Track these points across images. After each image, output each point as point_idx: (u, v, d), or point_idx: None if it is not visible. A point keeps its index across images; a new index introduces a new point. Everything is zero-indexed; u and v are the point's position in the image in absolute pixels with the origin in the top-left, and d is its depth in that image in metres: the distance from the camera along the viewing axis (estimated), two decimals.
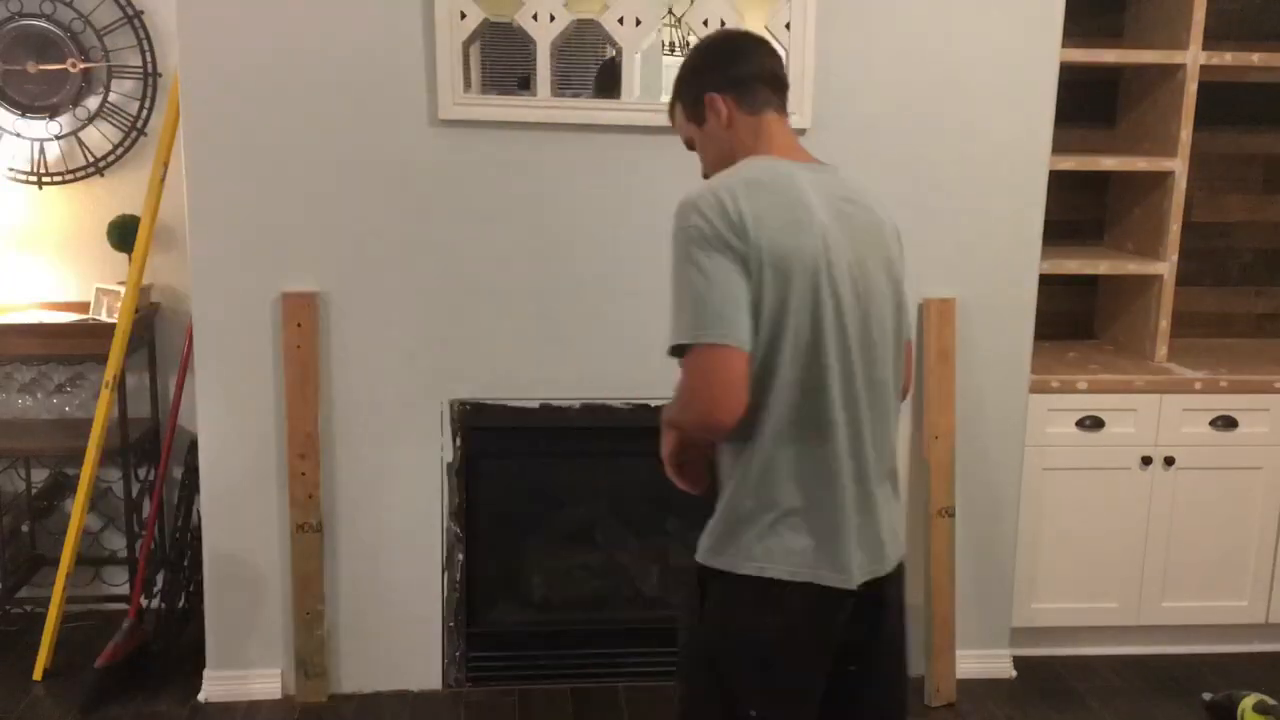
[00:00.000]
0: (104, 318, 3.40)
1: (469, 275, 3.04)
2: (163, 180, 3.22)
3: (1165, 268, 3.48)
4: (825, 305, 1.73)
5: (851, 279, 1.77)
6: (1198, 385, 3.38)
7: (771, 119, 1.90)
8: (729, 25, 2.93)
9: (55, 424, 3.56)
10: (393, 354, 3.06)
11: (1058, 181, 3.24)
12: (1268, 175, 3.86)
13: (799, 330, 1.72)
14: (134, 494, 3.49)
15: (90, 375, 3.55)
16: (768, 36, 2.91)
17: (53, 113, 3.45)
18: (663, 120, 2.98)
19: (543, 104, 2.94)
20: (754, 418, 1.75)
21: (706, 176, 1.96)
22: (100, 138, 3.49)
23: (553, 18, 2.89)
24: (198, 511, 3.32)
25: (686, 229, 1.76)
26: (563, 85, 2.96)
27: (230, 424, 3.04)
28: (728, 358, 1.69)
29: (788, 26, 2.95)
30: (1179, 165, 3.43)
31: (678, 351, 1.76)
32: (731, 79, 1.90)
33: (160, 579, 3.48)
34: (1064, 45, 3.10)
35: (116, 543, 3.65)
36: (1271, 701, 3.11)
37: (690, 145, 2.03)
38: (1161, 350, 3.52)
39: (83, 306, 3.48)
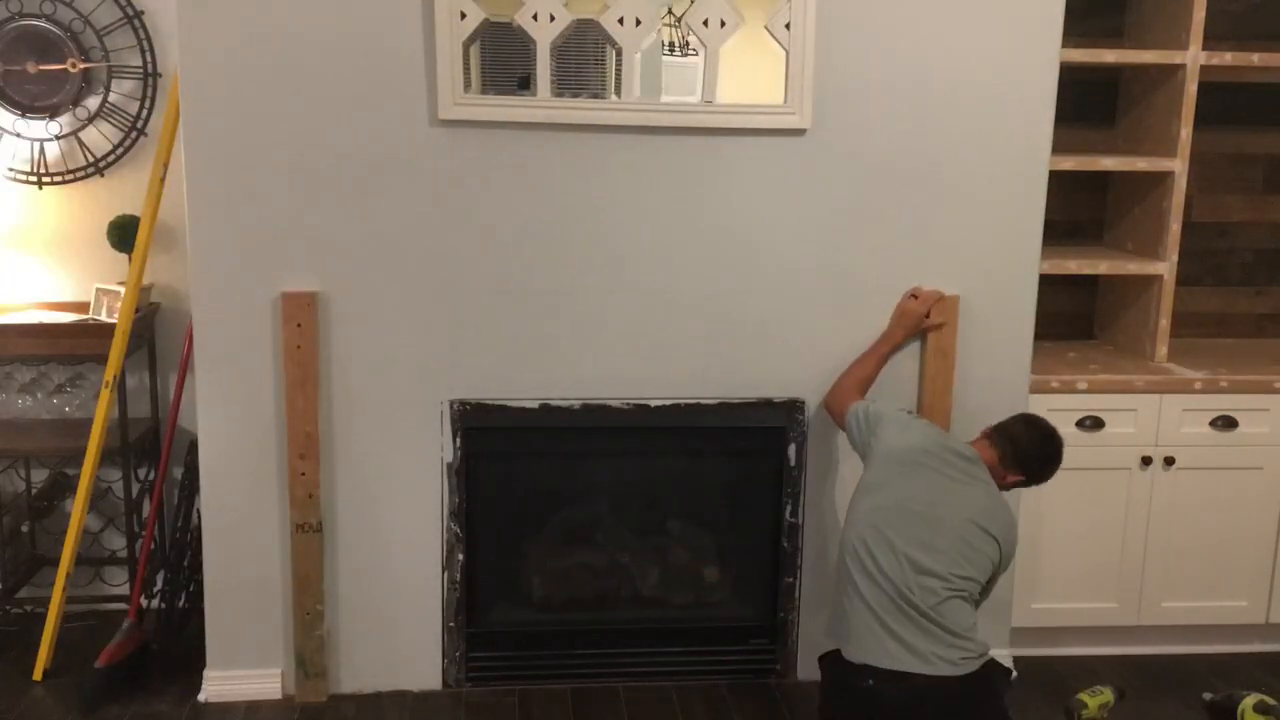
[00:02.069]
0: (104, 318, 3.40)
1: (469, 275, 3.04)
2: (163, 180, 3.22)
3: (1165, 268, 3.48)
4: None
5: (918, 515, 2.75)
6: (1198, 385, 3.38)
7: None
8: (729, 25, 2.93)
9: (55, 424, 3.56)
10: (393, 354, 3.06)
11: (1058, 181, 3.24)
12: (1268, 175, 3.86)
13: None
14: (134, 494, 3.49)
15: (90, 375, 3.55)
16: (769, 37, 2.94)
17: (53, 113, 3.45)
18: (661, 121, 3.00)
19: (543, 104, 2.94)
20: None
21: None
22: (100, 138, 3.49)
23: (553, 18, 2.89)
24: (198, 511, 3.32)
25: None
26: (563, 85, 2.96)
27: (230, 424, 3.04)
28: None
29: (788, 27, 2.95)
30: (1179, 165, 3.43)
31: None
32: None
33: (160, 579, 3.48)
34: (1064, 45, 3.10)
35: (116, 543, 3.65)
36: (1271, 701, 3.11)
37: None
38: (1161, 350, 3.52)
39: (83, 306, 3.48)
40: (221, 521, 3.09)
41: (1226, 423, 3.40)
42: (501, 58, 2.99)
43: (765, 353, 3.16)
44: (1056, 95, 3.10)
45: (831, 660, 2.79)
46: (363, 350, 3.05)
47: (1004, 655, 3.39)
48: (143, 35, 3.43)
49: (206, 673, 3.16)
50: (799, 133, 3.03)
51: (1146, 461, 3.38)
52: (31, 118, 3.45)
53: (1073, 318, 3.86)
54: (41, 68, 3.40)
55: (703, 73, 2.98)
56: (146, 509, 3.52)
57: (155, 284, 3.54)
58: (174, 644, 3.36)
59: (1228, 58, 3.40)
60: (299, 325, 2.98)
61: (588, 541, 3.45)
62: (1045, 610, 3.43)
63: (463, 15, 2.87)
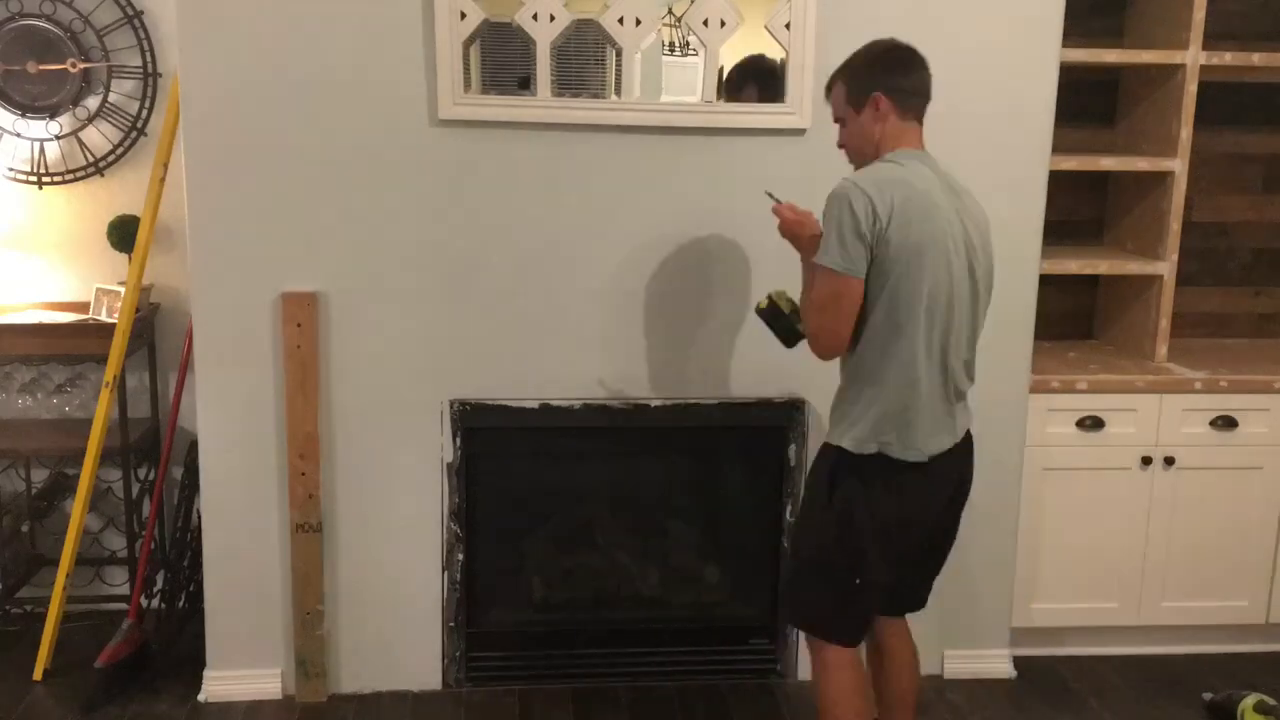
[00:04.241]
0: (104, 318, 3.40)
1: (469, 275, 3.04)
2: (163, 180, 3.22)
3: (1165, 268, 3.48)
4: (945, 274, 2.34)
5: (964, 254, 2.39)
6: (1198, 385, 3.38)
7: (912, 126, 2.43)
8: (729, 25, 2.93)
9: (55, 424, 3.56)
10: (393, 354, 3.06)
11: (1058, 181, 3.24)
12: (1268, 175, 3.86)
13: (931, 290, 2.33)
14: (134, 494, 3.49)
15: (90, 375, 3.55)
16: (769, 37, 2.94)
17: (53, 113, 3.45)
18: (661, 121, 3.00)
19: (543, 104, 2.94)
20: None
21: (842, 147, 2.51)
22: (100, 138, 3.49)
23: (553, 18, 2.89)
24: (198, 511, 3.32)
25: (839, 214, 2.30)
26: (563, 85, 2.96)
27: (230, 424, 3.04)
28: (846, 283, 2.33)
29: (788, 26, 2.95)
30: (1179, 165, 3.43)
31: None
32: (898, 88, 2.40)
33: (160, 579, 3.48)
34: (1064, 45, 3.10)
35: (116, 543, 3.65)
36: (1271, 701, 3.12)
37: (838, 121, 2.51)
38: (1161, 350, 3.52)
39: (83, 306, 3.48)
40: (221, 521, 3.09)
41: (1226, 423, 3.40)
42: (501, 58, 2.99)
43: (765, 353, 3.15)
44: (1056, 95, 3.10)
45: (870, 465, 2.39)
46: (363, 350, 3.05)
47: (1004, 655, 3.39)
48: (143, 35, 3.43)
49: (206, 673, 3.16)
50: (799, 133, 3.03)
51: (1146, 461, 3.38)
52: (31, 118, 3.45)
53: (1073, 318, 3.86)
54: (41, 68, 3.40)
55: (703, 73, 2.98)
56: (146, 509, 3.52)
57: (155, 284, 3.54)
58: (174, 644, 3.36)
59: (1228, 58, 3.40)
60: (299, 325, 2.98)
61: (588, 541, 3.45)
62: (1045, 610, 3.43)
63: (463, 15, 2.87)
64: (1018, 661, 3.40)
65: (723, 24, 2.94)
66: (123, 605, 3.44)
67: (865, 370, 2.39)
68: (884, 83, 2.40)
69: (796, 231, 2.54)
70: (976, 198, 2.50)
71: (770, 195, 2.64)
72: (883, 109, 2.40)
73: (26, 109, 3.44)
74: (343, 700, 3.18)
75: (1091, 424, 3.36)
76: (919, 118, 2.44)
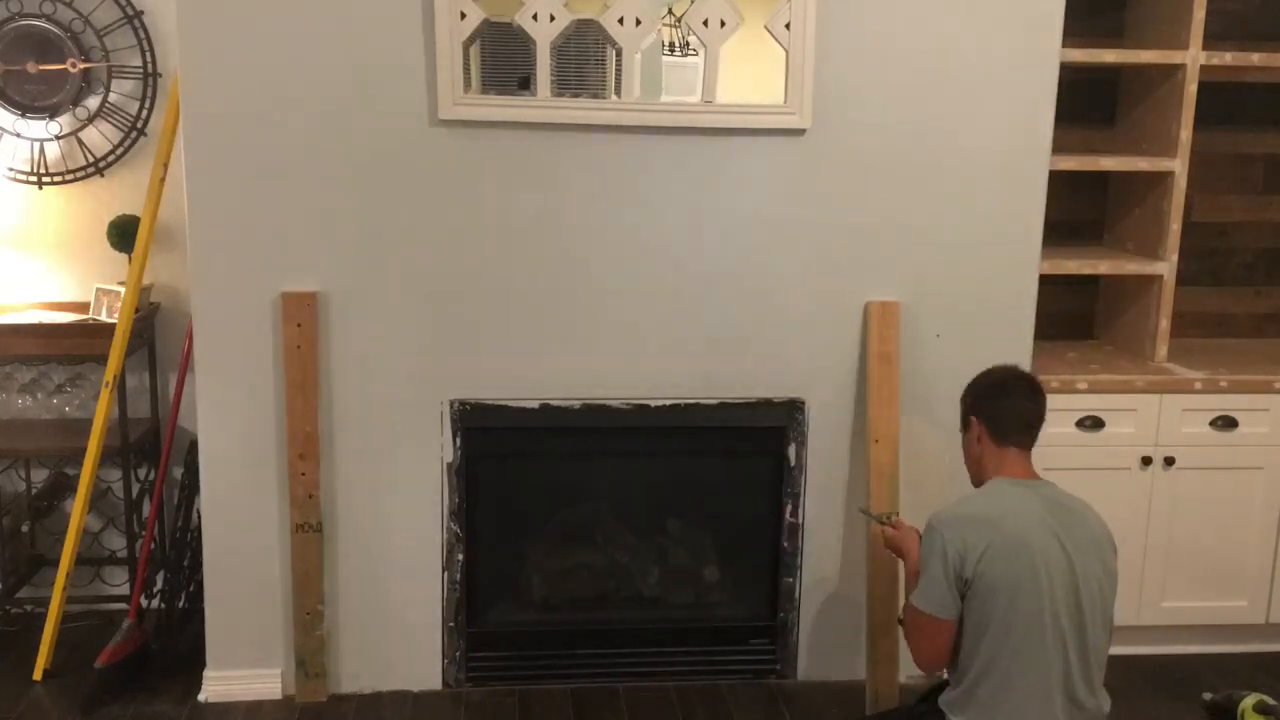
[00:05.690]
0: (104, 318, 3.40)
1: (469, 275, 3.04)
2: (163, 180, 3.22)
3: (1165, 268, 3.48)
4: (1035, 609, 2.37)
5: (1065, 587, 2.39)
6: (1198, 385, 3.38)
7: (1010, 452, 2.50)
8: (729, 25, 2.93)
9: (55, 424, 3.56)
10: (393, 354, 3.06)
11: (1058, 181, 3.24)
12: (1268, 175, 3.86)
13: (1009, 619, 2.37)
14: (134, 494, 3.49)
15: (90, 375, 3.55)
16: (768, 37, 2.94)
17: (53, 113, 3.45)
18: (661, 121, 3.00)
19: (543, 104, 2.94)
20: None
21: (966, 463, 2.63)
22: (100, 138, 3.49)
23: (553, 18, 2.89)
24: (198, 511, 3.32)
25: (930, 559, 2.42)
26: (563, 85, 2.96)
27: (230, 424, 3.04)
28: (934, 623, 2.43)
29: (788, 26, 2.95)
30: (1179, 165, 3.43)
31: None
32: (990, 415, 2.53)
33: (160, 579, 3.48)
34: (1064, 45, 3.10)
35: (116, 543, 3.65)
36: (1271, 701, 3.12)
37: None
38: (1161, 350, 3.52)
39: (83, 306, 3.48)
40: (221, 521, 3.09)
41: (1226, 423, 3.40)
42: (501, 58, 2.99)
43: (765, 353, 3.16)
44: (1056, 95, 3.10)
45: None
46: (363, 350, 3.05)
47: None
48: (143, 35, 3.43)
49: (206, 673, 3.16)
50: (799, 133, 3.03)
51: (1146, 461, 3.38)
52: (31, 118, 3.45)
53: (1073, 318, 3.86)
54: (41, 68, 3.40)
55: (703, 73, 2.98)
56: (146, 509, 3.52)
57: (155, 284, 3.54)
58: (174, 644, 3.37)
59: (1228, 58, 3.40)
60: (299, 325, 2.98)
61: (588, 541, 3.45)
62: None
63: (463, 15, 2.87)
64: None
65: (723, 24, 2.94)
66: (123, 605, 3.44)
67: (957, 692, 2.45)
68: (978, 409, 2.56)
69: (899, 549, 2.70)
70: (1093, 513, 2.53)
71: (865, 513, 2.98)
72: (976, 433, 2.55)
73: (26, 109, 3.44)
74: (343, 700, 3.18)
75: (1091, 424, 3.36)
76: (1020, 444, 2.51)
